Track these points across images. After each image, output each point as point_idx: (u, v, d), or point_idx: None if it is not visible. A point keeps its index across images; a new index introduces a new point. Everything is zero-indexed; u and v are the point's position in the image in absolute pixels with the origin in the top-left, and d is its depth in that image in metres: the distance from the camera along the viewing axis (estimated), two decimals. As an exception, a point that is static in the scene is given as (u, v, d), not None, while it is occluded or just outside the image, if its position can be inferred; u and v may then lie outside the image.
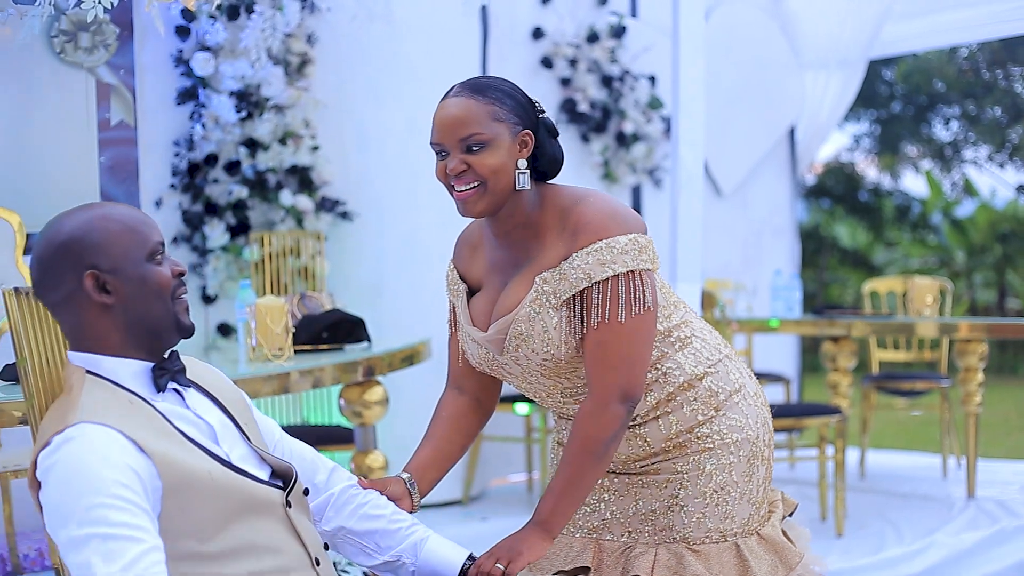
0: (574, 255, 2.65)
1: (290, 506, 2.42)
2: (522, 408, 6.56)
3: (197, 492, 2.25)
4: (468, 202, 2.66)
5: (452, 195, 2.69)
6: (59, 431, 2.21)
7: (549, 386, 2.79)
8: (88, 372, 2.34)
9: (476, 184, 2.64)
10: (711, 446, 2.78)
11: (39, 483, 2.23)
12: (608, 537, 2.84)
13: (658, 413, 2.78)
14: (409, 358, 4.89)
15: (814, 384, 12.09)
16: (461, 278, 2.92)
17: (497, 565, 2.62)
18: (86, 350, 2.36)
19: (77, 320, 2.34)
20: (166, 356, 2.40)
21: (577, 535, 2.88)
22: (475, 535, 5.94)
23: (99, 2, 4.35)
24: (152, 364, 2.37)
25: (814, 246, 15.58)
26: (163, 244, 2.38)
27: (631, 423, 2.77)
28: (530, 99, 2.73)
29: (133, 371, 2.35)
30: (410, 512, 2.78)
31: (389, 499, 2.75)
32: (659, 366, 2.77)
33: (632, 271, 2.64)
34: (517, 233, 2.74)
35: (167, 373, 2.38)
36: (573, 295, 2.65)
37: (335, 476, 2.74)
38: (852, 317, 7.05)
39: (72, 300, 2.33)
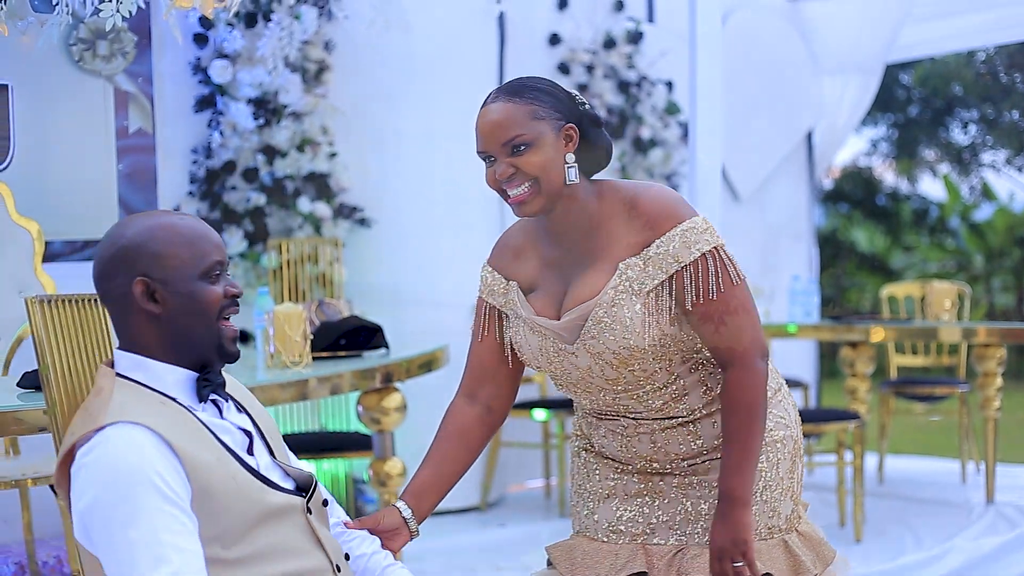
0: (657, 241, 2.67)
1: (310, 513, 2.43)
2: (540, 414, 6.56)
3: (222, 497, 2.26)
4: (524, 203, 2.67)
5: (506, 201, 2.70)
6: (95, 430, 2.23)
7: (612, 379, 2.75)
8: (118, 375, 2.36)
9: (528, 184, 2.65)
10: (768, 442, 2.80)
11: (69, 481, 2.25)
12: (656, 541, 2.81)
13: (712, 409, 2.78)
14: (427, 364, 4.89)
15: (832, 389, 12.06)
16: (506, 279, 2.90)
17: (735, 564, 2.66)
18: (134, 351, 2.38)
19: (127, 322, 2.37)
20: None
21: (621, 542, 2.83)
22: (493, 541, 5.94)
23: (117, 10, 4.37)
24: (197, 374, 2.39)
25: (832, 251, 15.54)
26: (223, 263, 2.39)
27: (686, 419, 2.78)
28: (569, 92, 2.74)
29: (177, 378, 2.37)
30: (408, 539, 2.77)
31: (384, 531, 2.71)
32: (713, 361, 2.77)
33: (715, 247, 2.68)
34: (579, 227, 2.74)
35: (210, 385, 2.39)
36: (660, 282, 2.67)
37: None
38: (870, 322, 7.03)
39: (123, 302, 2.36)
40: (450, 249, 6.47)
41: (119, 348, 2.40)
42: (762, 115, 8.62)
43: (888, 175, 16.28)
